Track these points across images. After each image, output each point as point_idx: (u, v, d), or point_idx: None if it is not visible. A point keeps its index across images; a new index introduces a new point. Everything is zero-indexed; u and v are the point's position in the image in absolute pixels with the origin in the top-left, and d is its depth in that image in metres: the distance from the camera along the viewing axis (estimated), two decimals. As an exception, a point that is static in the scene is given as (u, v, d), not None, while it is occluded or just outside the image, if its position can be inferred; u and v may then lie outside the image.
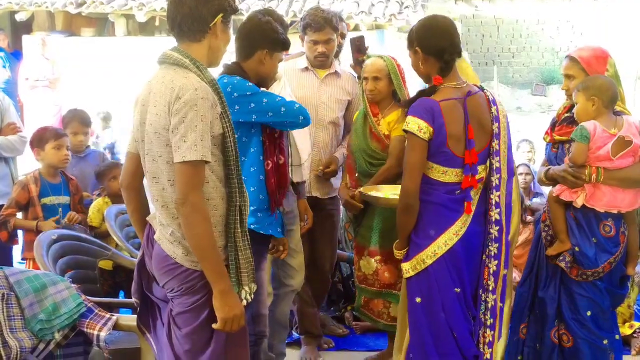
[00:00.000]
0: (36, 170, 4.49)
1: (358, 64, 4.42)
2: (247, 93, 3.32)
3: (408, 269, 3.15)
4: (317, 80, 4.23)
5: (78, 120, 5.15)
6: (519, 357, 3.61)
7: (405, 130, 3.06)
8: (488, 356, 3.21)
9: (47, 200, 4.38)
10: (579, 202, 3.38)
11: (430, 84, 3.18)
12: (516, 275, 5.59)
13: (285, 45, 3.46)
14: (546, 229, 3.59)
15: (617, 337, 3.59)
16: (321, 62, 4.16)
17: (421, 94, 3.13)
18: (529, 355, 3.61)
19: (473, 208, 3.14)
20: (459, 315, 3.13)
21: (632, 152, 3.36)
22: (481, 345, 3.21)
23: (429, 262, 3.08)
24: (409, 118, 3.03)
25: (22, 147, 4.80)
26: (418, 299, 3.12)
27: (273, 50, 3.38)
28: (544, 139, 3.72)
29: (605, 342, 3.49)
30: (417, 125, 2.99)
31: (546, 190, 7.28)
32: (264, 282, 3.49)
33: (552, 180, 3.52)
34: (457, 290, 3.11)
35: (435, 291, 3.09)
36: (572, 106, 3.58)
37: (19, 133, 4.79)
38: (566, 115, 3.62)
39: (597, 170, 3.31)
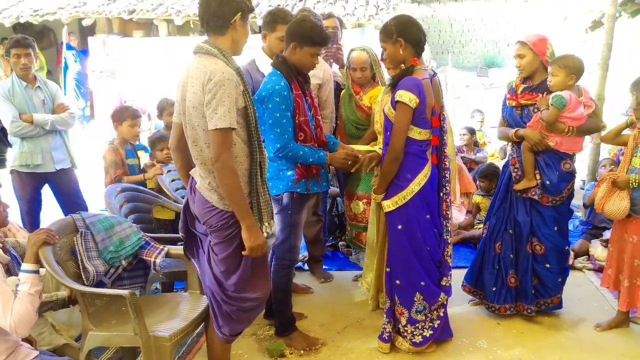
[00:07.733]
0: (114, 140, 4.40)
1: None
2: (262, 94, 3.12)
3: (389, 204, 3.13)
4: None
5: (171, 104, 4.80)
6: (496, 266, 3.65)
7: (398, 101, 2.99)
8: (449, 261, 3.31)
9: (129, 161, 4.34)
10: (551, 144, 3.44)
11: (397, 67, 3.13)
12: (458, 214, 5.57)
13: (311, 41, 3.10)
14: (515, 170, 3.60)
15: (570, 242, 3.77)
16: None
17: (405, 73, 3.07)
18: (504, 263, 3.64)
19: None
20: (430, 234, 3.17)
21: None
22: (445, 257, 3.29)
23: (409, 197, 3.08)
24: (402, 92, 2.98)
25: (72, 121, 4.66)
26: (400, 226, 3.13)
27: (301, 43, 3.10)
28: (508, 103, 3.63)
29: (566, 247, 3.64)
30: (408, 97, 2.96)
31: (491, 149, 7.25)
32: (302, 225, 3.39)
33: (520, 138, 3.52)
34: (428, 216, 3.14)
35: (413, 219, 3.11)
36: (525, 78, 3.57)
37: (68, 110, 4.63)
38: (524, 86, 3.56)
39: (571, 129, 3.39)
